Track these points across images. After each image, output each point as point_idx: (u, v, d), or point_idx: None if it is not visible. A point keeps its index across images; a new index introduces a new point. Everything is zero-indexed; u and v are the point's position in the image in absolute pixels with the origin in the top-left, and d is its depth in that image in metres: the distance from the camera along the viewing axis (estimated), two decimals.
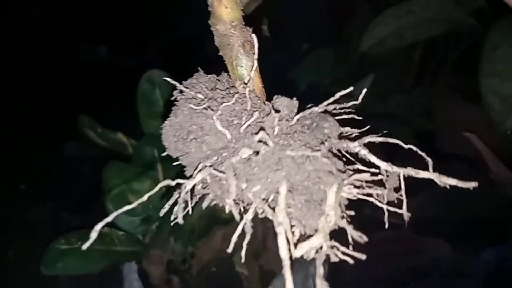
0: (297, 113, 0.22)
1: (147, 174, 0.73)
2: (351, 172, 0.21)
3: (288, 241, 0.19)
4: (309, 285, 0.75)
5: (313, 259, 0.20)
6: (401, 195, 0.23)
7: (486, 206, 1.00)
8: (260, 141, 0.18)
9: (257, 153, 0.18)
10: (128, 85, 0.95)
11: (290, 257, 0.19)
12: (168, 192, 0.72)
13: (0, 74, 1.89)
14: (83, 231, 0.74)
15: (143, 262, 0.74)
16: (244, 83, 0.21)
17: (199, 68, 0.22)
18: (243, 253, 0.20)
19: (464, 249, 1.05)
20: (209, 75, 0.23)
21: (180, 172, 0.73)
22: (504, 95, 0.85)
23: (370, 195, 0.21)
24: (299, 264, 0.73)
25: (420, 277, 1.00)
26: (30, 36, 1.97)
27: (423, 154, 0.22)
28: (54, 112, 1.68)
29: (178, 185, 0.24)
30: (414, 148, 0.22)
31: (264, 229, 0.76)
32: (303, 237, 0.21)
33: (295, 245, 0.20)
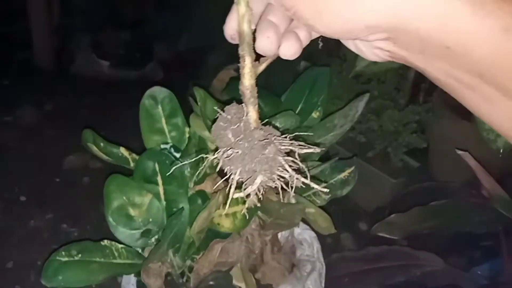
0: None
1: (148, 188, 0.75)
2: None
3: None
4: None
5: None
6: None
7: (478, 221, 1.02)
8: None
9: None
10: (131, 98, 0.97)
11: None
12: (170, 206, 0.73)
13: (1, 84, 1.91)
14: (84, 243, 0.75)
15: (141, 274, 0.75)
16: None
17: (234, 101, 0.31)
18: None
19: (457, 263, 1.07)
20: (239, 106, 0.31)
21: (183, 183, 0.73)
22: None
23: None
24: (296, 279, 0.74)
25: None
26: (32, 47, 2.00)
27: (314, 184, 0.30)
28: (55, 124, 1.69)
29: None
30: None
31: (262, 243, 0.78)
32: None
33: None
